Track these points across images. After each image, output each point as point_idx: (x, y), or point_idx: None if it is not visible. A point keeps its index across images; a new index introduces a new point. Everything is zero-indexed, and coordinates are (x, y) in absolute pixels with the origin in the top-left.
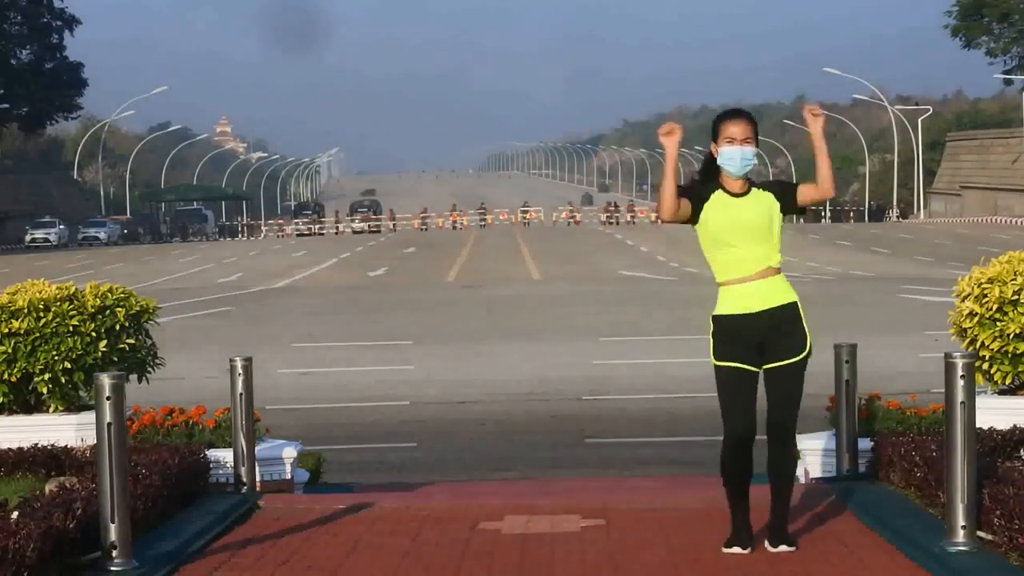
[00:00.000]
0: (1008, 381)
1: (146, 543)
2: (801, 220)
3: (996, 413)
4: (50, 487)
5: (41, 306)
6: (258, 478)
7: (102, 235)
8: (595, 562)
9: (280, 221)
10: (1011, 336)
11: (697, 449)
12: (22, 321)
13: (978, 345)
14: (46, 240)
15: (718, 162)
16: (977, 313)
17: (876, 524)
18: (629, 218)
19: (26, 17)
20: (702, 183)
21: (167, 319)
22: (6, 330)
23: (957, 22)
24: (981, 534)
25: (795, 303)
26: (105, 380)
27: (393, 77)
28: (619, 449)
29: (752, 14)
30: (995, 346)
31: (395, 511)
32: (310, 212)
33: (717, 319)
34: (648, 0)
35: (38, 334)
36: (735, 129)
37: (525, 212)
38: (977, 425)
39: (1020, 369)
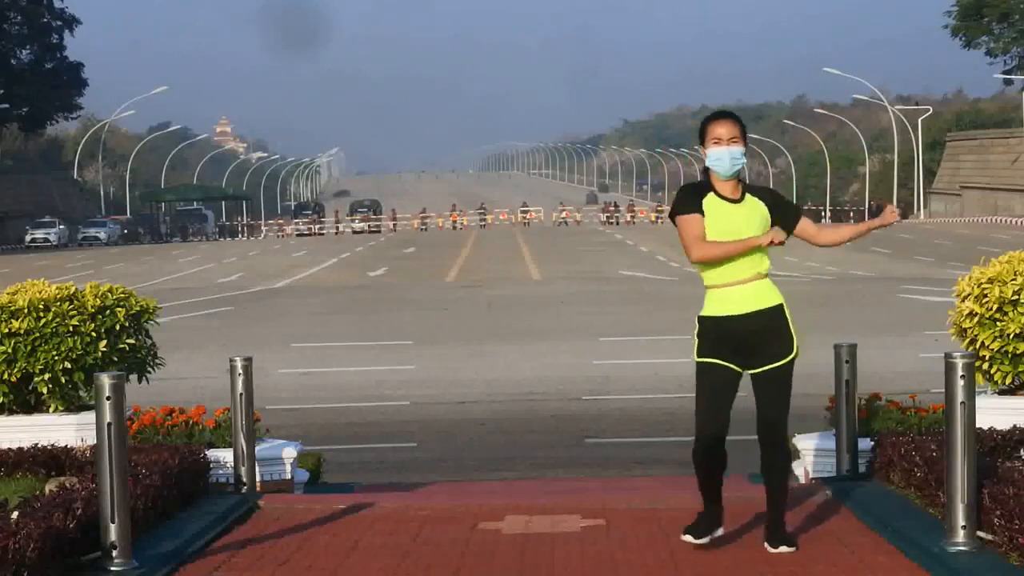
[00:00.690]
0: (1008, 381)
1: (146, 543)
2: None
3: (996, 413)
4: (50, 487)
5: (41, 306)
6: (258, 478)
7: (102, 235)
8: (595, 562)
9: (280, 221)
10: (1011, 336)
11: None
12: (22, 321)
13: (978, 345)
14: (46, 240)
15: (707, 164)
16: (977, 313)
17: (876, 524)
18: (629, 218)
19: (26, 17)
20: (695, 192)
21: (167, 319)
22: (6, 330)
23: (957, 22)
24: (981, 534)
25: (780, 305)
26: (105, 380)
27: (393, 77)
28: (619, 449)
29: (752, 14)
30: (995, 346)
31: (395, 511)
32: (310, 212)
33: (703, 320)
34: (648, 0)
35: (38, 334)
36: (721, 130)
37: (525, 212)
38: (977, 425)
39: (1020, 369)
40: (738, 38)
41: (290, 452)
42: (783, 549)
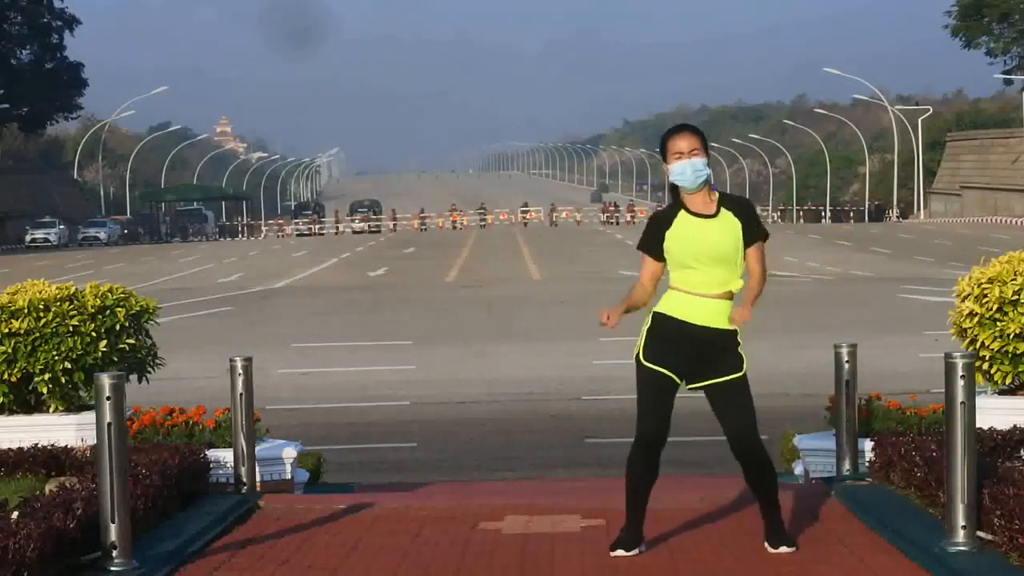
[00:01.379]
0: (1008, 381)
1: (146, 543)
2: (801, 220)
3: (996, 413)
4: (50, 487)
5: (41, 306)
6: (258, 478)
7: (102, 235)
8: (595, 562)
9: (280, 221)
10: (1011, 336)
11: (697, 449)
12: (22, 321)
13: (978, 345)
14: (46, 240)
15: (671, 179)
16: (977, 313)
17: (876, 524)
18: (629, 218)
19: (26, 17)
20: (666, 211)
21: (167, 319)
22: (6, 330)
23: (957, 22)
24: (981, 534)
25: (736, 331)
26: (105, 380)
27: (393, 77)
28: (619, 449)
29: (752, 14)
30: (995, 346)
31: (395, 511)
32: (310, 212)
33: (656, 315)
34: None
35: (38, 334)
36: (682, 143)
37: (525, 212)
38: (977, 425)
39: (1020, 369)
40: (738, 38)
41: (290, 452)
42: (783, 549)
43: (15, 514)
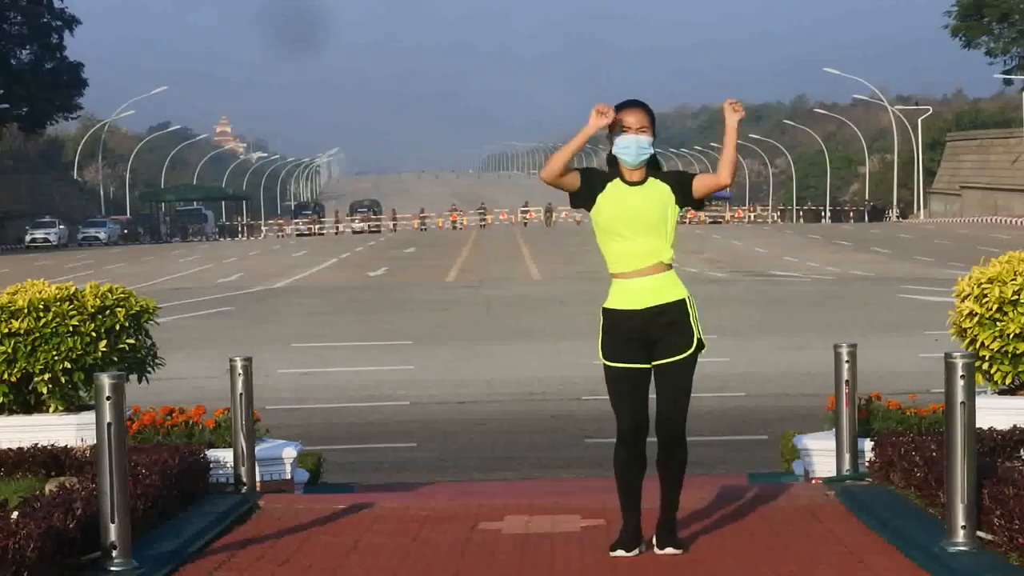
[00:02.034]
0: (1008, 381)
1: (146, 543)
2: (801, 220)
3: (996, 413)
4: (50, 487)
5: (41, 306)
6: (258, 478)
7: (102, 235)
8: (595, 562)
9: (280, 221)
10: (1011, 336)
11: (697, 449)
12: (22, 321)
13: (978, 345)
14: (46, 240)
15: (614, 151)
16: (977, 313)
17: (876, 524)
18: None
19: (26, 17)
20: (604, 173)
21: (167, 319)
22: (6, 330)
23: (957, 22)
24: (981, 534)
25: (683, 299)
26: (105, 380)
27: (393, 77)
28: None
29: (752, 14)
30: (995, 346)
31: (395, 511)
32: (310, 212)
33: (606, 312)
34: (648, 1)
35: (38, 334)
36: (631, 119)
37: (525, 212)
38: (977, 425)
39: (1020, 369)
40: (738, 38)
41: (290, 452)
42: (669, 551)
43: (15, 514)
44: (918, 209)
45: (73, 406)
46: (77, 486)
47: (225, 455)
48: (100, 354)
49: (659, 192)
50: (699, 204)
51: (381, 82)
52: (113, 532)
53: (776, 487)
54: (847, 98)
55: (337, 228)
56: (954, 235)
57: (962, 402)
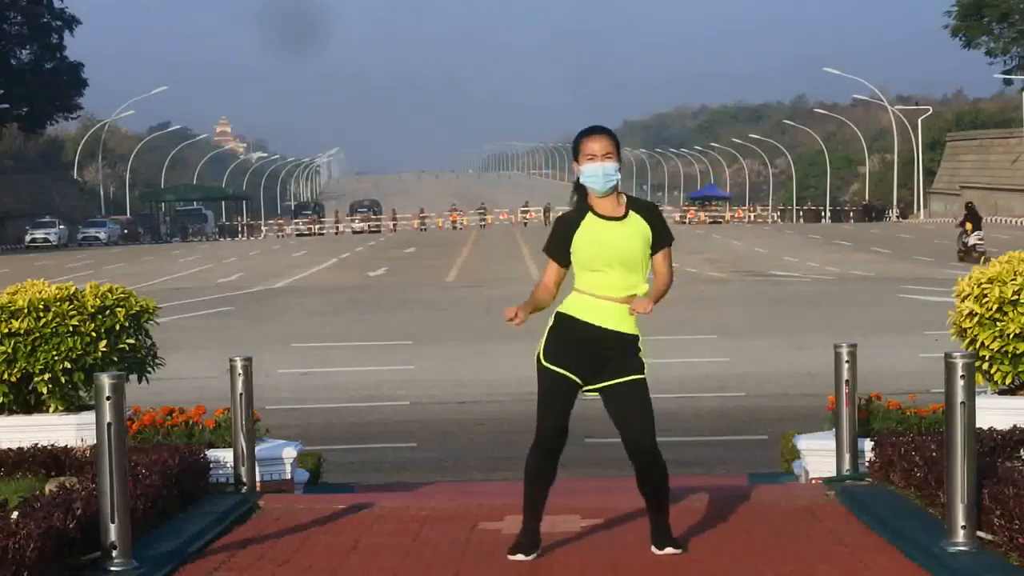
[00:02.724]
0: (1008, 381)
1: (146, 543)
2: (801, 220)
3: (996, 413)
4: (50, 487)
5: (41, 306)
6: (258, 478)
7: (102, 235)
8: (595, 562)
9: (280, 221)
10: (1011, 336)
11: (697, 449)
12: (22, 321)
13: (978, 345)
14: (46, 240)
15: (581, 180)
16: (977, 313)
17: (876, 524)
18: None
19: (26, 17)
20: (572, 213)
21: (167, 319)
22: (6, 330)
23: (957, 22)
24: (981, 534)
25: (637, 336)
26: (105, 380)
27: (393, 77)
28: (619, 449)
29: (752, 14)
30: (995, 346)
31: (395, 511)
32: (310, 212)
33: (559, 316)
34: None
35: (38, 334)
36: (595, 145)
37: (525, 212)
38: (977, 425)
39: (1020, 369)
40: (738, 38)
41: (290, 452)
42: (669, 550)
43: (15, 514)
44: (918, 209)
45: (73, 406)
46: (77, 486)
47: (225, 455)
48: (100, 354)
49: (640, 229)
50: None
51: (381, 81)
52: (113, 532)
53: (776, 487)
54: (847, 98)
55: (337, 228)
56: (954, 235)
57: (962, 402)
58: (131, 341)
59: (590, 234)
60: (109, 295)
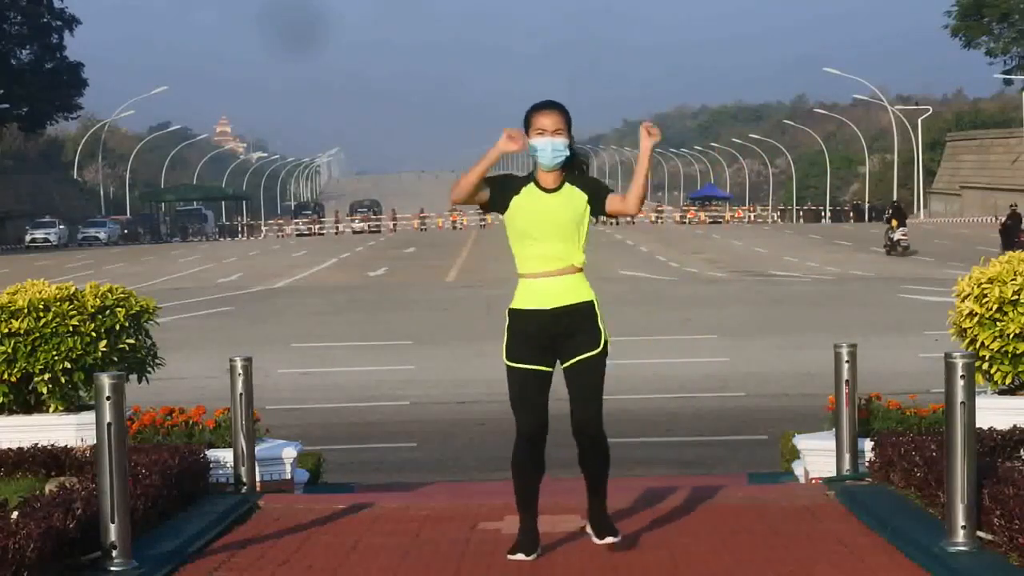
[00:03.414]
0: (1008, 381)
1: (146, 543)
2: (801, 220)
3: (996, 413)
4: (50, 487)
5: (41, 306)
6: (258, 478)
7: (102, 235)
8: (595, 562)
9: (280, 221)
10: (1011, 336)
11: (697, 449)
12: (22, 321)
13: (978, 345)
14: (46, 240)
15: (530, 154)
16: (977, 313)
17: (876, 524)
18: (629, 218)
19: (26, 17)
20: (520, 178)
21: (167, 319)
22: (6, 330)
23: (957, 22)
24: (981, 534)
25: (591, 302)
26: (105, 380)
27: (393, 77)
28: (619, 449)
29: (752, 14)
30: (995, 346)
31: (395, 511)
32: (310, 212)
33: (512, 313)
34: (648, 1)
35: (38, 334)
36: (546, 120)
37: None
38: (977, 425)
39: (1020, 369)
40: (738, 38)
41: (290, 452)
42: (608, 539)
43: (15, 514)
44: (918, 209)
45: (73, 406)
46: (77, 486)
47: (225, 455)
48: (100, 354)
49: (574, 198)
50: (600, 212)
51: (381, 82)
52: (113, 532)
53: (776, 487)
54: (847, 98)
55: (337, 228)
56: (954, 235)
57: (962, 402)
58: (131, 341)
59: (526, 201)
60: (109, 295)
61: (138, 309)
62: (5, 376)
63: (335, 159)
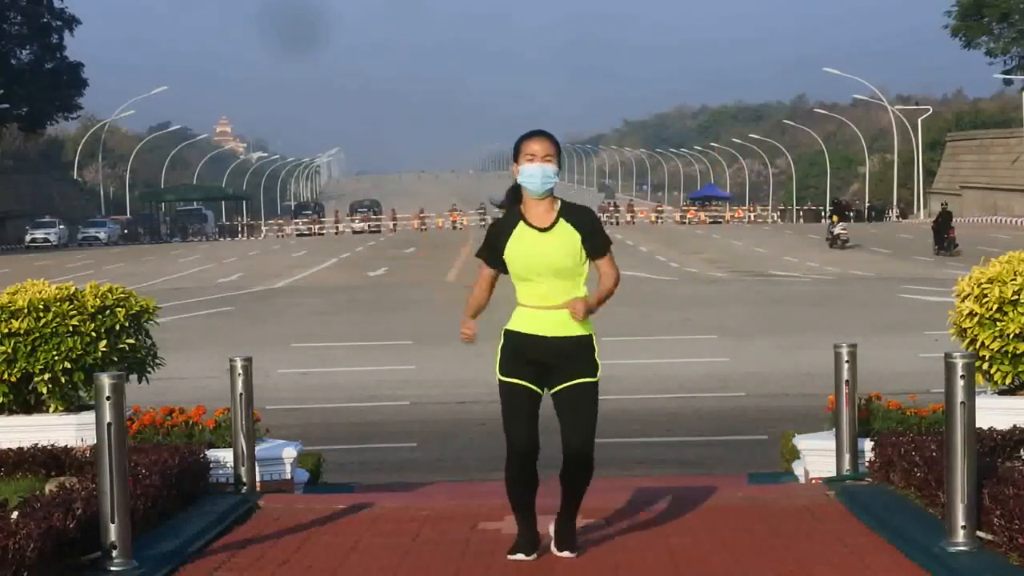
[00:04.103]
0: (1008, 381)
1: (146, 543)
2: (801, 220)
3: (996, 413)
4: (50, 487)
5: (41, 306)
6: (258, 478)
7: (102, 235)
8: (595, 562)
9: (280, 221)
10: (1011, 336)
11: (697, 449)
12: (22, 321)
13: (978, 345)
14: (46, 240)
15: (519, 180)
16: (977, 313)
17: (876, 524)
18: (629, 218)
19: (26, 17)
20: (504, 220)
21: (167, 319)
22: (6, 330)
23: (957, 22)
24: (981, 534)
25: (590, 336)
26: (105, 380)
27: (393, 77)
28: (619, 449)
29: (752, 14)
30: (995, 346)
31: (395, 511)
32: (310, 212)
33: (508, 333)
34: (649, 1)
35: (38, 334)
36: (536, 146)
37: None
38: (977, 425)
39: (1020, 369)
40: (738, 38)
41: (290, 452)
42: (567, 554)
43: (15, 514)
44: (918, 209)
45: (73, 406)
46: (77, 486)
47: (225, 455)
48: (100, 354)
49: (570, 240)
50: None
51: (381, 82)
52: (113, 532)
53: (776, 487)
54: (847, 98)
55: (337, 228)
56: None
57: (962, 402)
58: (131, 341)
59: (521, 245)
60: (109, 295)
61: (138, 309)
62: (5, 376)
63: (335, 159)
